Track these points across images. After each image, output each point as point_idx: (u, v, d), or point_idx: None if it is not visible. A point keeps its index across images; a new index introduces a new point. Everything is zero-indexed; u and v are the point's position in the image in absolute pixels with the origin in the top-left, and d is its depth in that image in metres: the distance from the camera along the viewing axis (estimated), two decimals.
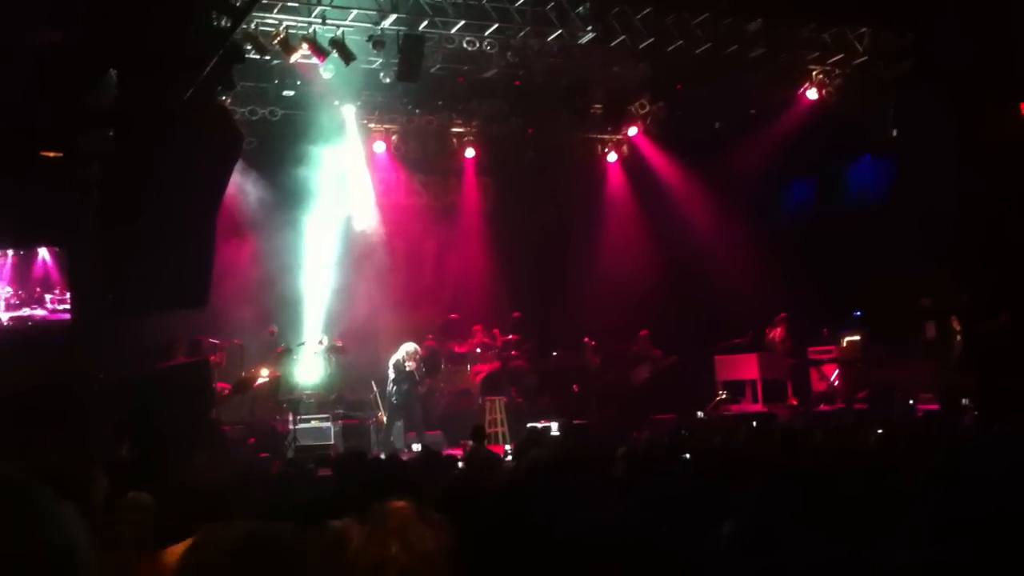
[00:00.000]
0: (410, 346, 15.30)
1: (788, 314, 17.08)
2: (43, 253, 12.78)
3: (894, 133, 15.92)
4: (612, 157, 19.64)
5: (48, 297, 13.03)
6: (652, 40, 14.87)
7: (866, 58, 15.81)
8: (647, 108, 17.96)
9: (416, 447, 13.57)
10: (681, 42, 14.94)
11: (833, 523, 2.91)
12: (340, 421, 14.94)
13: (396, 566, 1.59)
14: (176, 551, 3.08)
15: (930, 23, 14.13)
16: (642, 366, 18.18)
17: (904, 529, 2.98)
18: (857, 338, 17.15)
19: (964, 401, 13.61)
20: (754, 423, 12.86)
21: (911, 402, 14.90)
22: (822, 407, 16.59)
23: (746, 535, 2.82)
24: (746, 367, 17.31)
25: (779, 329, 17.10)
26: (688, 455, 6.88)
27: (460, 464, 8.77)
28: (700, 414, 16.16)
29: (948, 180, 14.32)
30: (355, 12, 13.62)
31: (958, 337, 14.44)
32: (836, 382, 17.07)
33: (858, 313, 17.75)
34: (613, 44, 15.03)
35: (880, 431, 9.27)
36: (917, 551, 2.64)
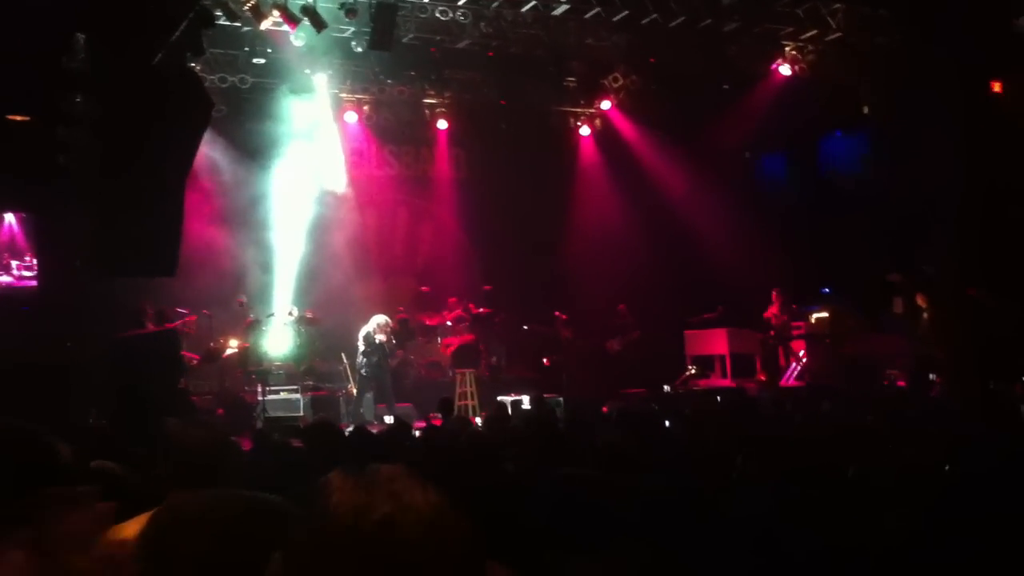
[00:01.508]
0: (380, 318, 15.25)
1: (780, 288, 17.08)
2: (9, 219, 12.60)
3: (865, 110, 15.98)
4: (585, 131, 19.61)
5: (15, 264, 12.85)
6: (627, 12, 14.81)
7: (840, 34, 15.83)
8: (620, 81, 17.91)
9: (388, 419, 13.54)
10: (656, 15, 14.90)
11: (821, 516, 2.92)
12: (309, 393, 14.89)
13: (379, 513, 1.55)
14: (143, 519, 3.03)
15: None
16: (614, 339, 18.27)
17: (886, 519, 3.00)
18: (825, 314, 17.29)
19: (932, 376, 13.78)
20: (718, 397, 12.93)
21: (887, 382, 15.04)
22: (790, 382, 16.75)
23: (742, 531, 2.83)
24: (715, 342, 17.42)
25: (774, 306, 17.16)
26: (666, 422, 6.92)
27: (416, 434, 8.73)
28: (666, 388, 16.24)
29: (930, 153, 14.39)
30: None
31: (925, 315, 14.58)
32: (804, 358, 17.20)
33: (826, 290, 17.90)
34: (588, 16, 14.97)
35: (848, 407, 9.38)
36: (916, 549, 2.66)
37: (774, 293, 17.12)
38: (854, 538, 2.92)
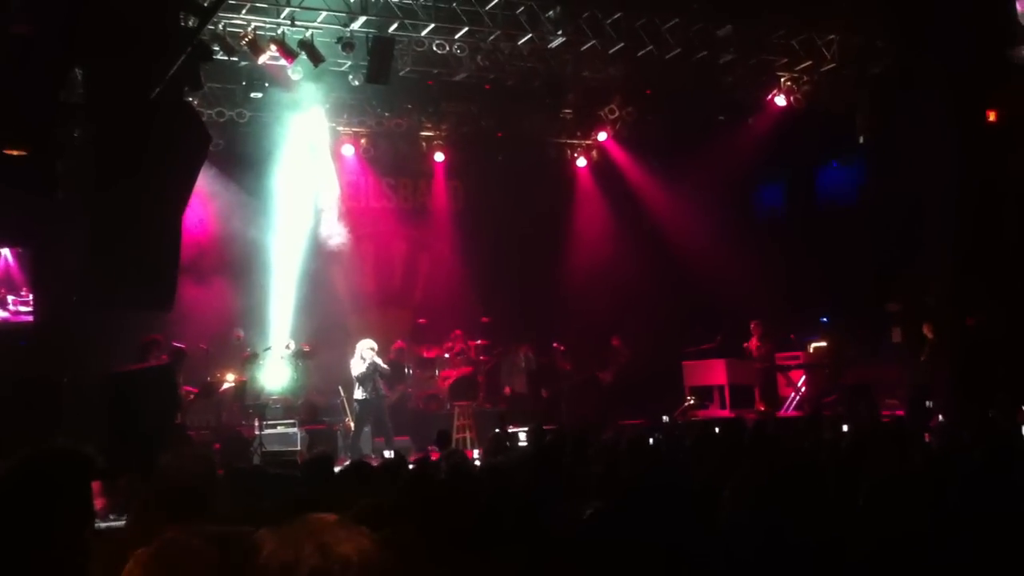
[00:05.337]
0: (366, 342, 15.15)
1: (759, 321, 17.16)
2: (5, 253, 12.58)
3: (861, 140, 16.04)
4: (582, 162, 19.65)
5: (11, 299, 12.83)
6: (622, 45, 14.90)
7: (835, 65, 15.92)
8: (617, 113, 18.00)
9: (388, 453, 13.45)
10: (651, 47, 14.98)
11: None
12: (307, 427, 14.80)
13: (307, 567, 1.56)
14: (141, 556, 3.01)
15: (909, 23, 14.22)
16: (607, 370, 18.29)
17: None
18: (824, 344, 17.29)
19: (928, 404, 13.77)
20: (716, 429, 12.86)
21: (887, 412, 14.98)
22: (789, 412, 16.70)
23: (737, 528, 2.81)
24: (714, 372, 17.35)
25: (754, 338, 17.21)
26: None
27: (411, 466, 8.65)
28: (665, 419, 16.17)
29: (925, 179, 14.44)
30: (324, 14, 13.53)
31: (927, 346, 14.58)
32: (803, 387, 17.16)
33: (825, 319, 17.90)
34: (584, 48, 15.07)
35: (845, 431, 9.34)
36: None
37: (752, 325, 17.16)
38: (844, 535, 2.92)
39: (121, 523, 4.82)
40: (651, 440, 10.22)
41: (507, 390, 17.67)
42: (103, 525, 6.10)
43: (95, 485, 2.98)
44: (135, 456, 7.78)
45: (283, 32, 13.51)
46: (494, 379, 18.01)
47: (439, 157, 18.54)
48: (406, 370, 17.16)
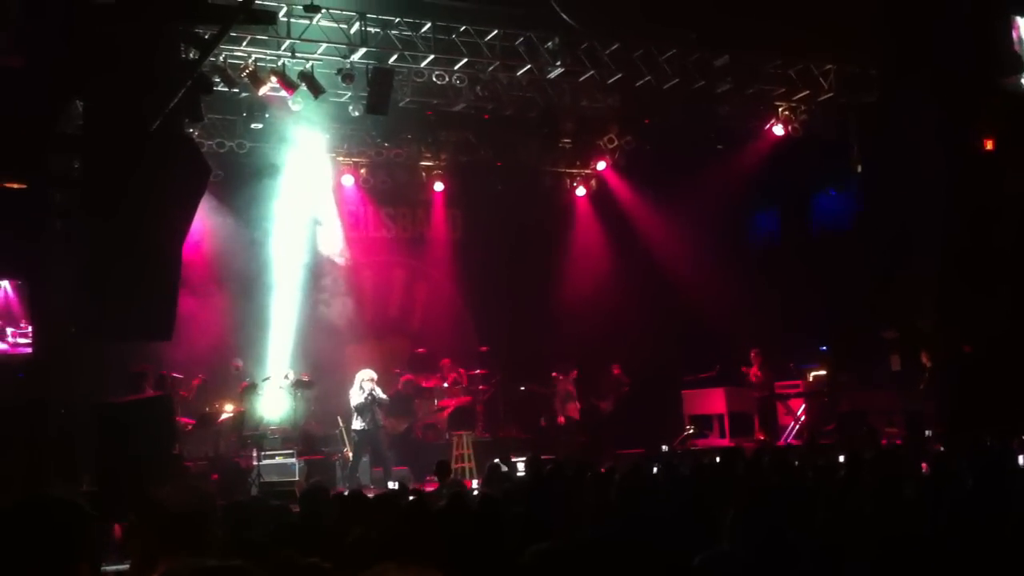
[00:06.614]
0: (365, 372, 15.13)
1: (759, 348, 17.17)
2: (4, 285, 12.59)
3: (858, 168, 16.09)
4: (581, 191, 19.68)
5: (9, 331, 12.84)
6: (620, 75, 15.01)
7: (832, 94, 16.02)
8: (615, 142, 18.06)
9: (392, 484, 13.37)
10: (649, 77, 15.09)
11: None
12: (304, 457, 14.73)
13: None
14: None
15: (905, 50, 14.30)
16: (607, 399, 18.26)
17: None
18: (823, 372, 17.26)
19: (927, 432, 13.75)
20: (717, 458, 12.83)
21: (884, 440, 14.94)
22: (789, 441, 16.64)
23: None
24: (713, 401, 17.32)
25: (754, 366, 17.20)
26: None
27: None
28: (664, 448, 16.13)
29: (921, 203, 14.49)
30: (324, 46, 13.64)
31: (926, 374, 14.57)
32: (802, 416, 17.12)
33: (824, 347, 17.88)
34: (582, 79, 15.17)
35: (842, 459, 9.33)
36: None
37: (752, 353, 17.16)
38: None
39: (126, 567, 4.84)
40: (653, 470, 10.21)
41: (561, 420, 17.60)
42: (111, 568, 6.11)
43: None
44: (129, 488, 7.76)
45: (283, 64, 13.62)
46: (493, 408, 17.96)
47: (438, 186, 18.57)
48: (414, 402, 17.10)
